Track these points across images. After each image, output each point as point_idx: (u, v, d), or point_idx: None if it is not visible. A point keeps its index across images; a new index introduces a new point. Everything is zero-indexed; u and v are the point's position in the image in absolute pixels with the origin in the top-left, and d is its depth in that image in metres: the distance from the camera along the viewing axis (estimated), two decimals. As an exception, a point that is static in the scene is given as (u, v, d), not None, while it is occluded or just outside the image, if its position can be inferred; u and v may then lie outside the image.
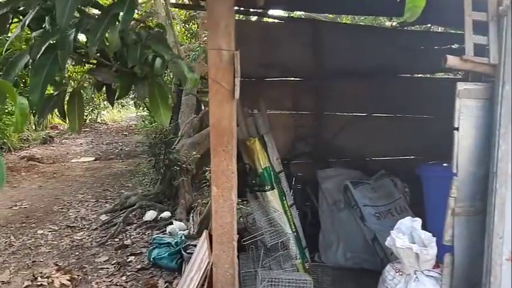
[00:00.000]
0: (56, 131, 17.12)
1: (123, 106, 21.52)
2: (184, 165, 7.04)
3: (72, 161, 12.15)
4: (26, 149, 13.45)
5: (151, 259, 5.12)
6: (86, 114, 20.03)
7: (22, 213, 7.28)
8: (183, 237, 5.25)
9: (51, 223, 6.80)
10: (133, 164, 11.13)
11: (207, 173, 6.84)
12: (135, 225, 6.54)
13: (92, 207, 7.67)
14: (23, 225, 6.72)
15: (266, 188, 4.14)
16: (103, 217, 6.93)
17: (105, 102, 20.97)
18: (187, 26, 11.00)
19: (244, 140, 4.21)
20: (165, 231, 5.96)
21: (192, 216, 6.27)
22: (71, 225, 6.70)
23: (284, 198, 4.24)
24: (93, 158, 12.45)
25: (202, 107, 8.78)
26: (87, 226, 6.67)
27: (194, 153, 7.29)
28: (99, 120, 21.26)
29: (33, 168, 10.84)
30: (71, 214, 7.27)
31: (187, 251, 4.73)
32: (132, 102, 22.39)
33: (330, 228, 4.88)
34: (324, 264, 4.21)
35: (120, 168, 10.77)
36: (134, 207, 6.92)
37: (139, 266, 5.20)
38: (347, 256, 4.64)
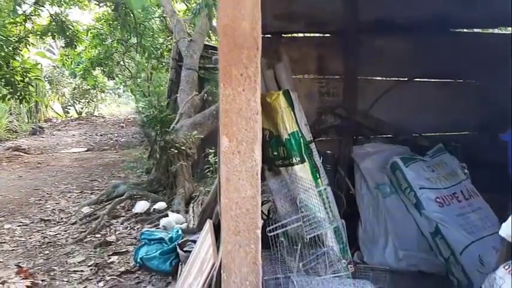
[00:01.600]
0: (49, 123, 15.99)
1: (119, 96, 20.37)
2: (183, 148, 5.86)
3: (62, 151, 10.98)
4: (13, 140, 12.30)
5: (139, 259, 3.95)
6: (81, 106, 18.95)
7: (-7, 205, 6.13)
8: (180, 232, 4.07)
9: (22, 216, 5.62)
10: (129, 155, 9.94)
11: (212, 156, 5.68)
12: (122, 218, 5.35)
13: (75, 198, 6.49)
14: (-11, 218, 5.56)
15: (294, 160, 2.95)
16: (85, 209, 5.74)
17: (103, 95, 19.93)
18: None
19: (263, 95, 3.03)
20: (159, 225, 4.80)
21: (193, 207, 5.10)
22: (46, 218, 5.52)
23: (318, 176, 3.05)
24: (85, 149, 11.28)
25: (205, 86, 7.60)
26: (64, 220, 5.50)
27: (195, 133, 6.10)
28: (96, 113, 20.10)
29: (17, 159, 9.67)
30: (48, 206, 6.09)
31: (185, 249, 3.55)
32: (132, 96, 21.39)
33: (373, 220, 3.69)
34: (375, 267, 3.00)
35: (113, 159, 9.59)
36: (123, 197, 5.74)
37: (122, 269, 4.01)
38: (399, 256, 3.43)
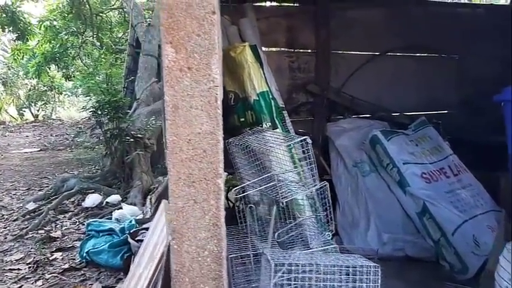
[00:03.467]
0: (2, 126, 14.99)
1: (77, 96, 19.44)
2: (140, 136, 5.31)
3: (12, 152, 10.14)
4: (-42, 141, 11.39)
5: (85, 254, 3.38)
6: (37, 109, 17.94)
7: None
8: (133, 222, 3.53)
9: (-44, 214, 4.94)
10: (84, 154, 9.25)
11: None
12: (70, 213, 4.74)
13: (20, 195, 5.80)
14: None
15: (264, 126, 2.49)
16: (30, 205, 5.08)
17: (61, 97, 18.96)
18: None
19: (226, 49, 2.56)
20: (111, 218, 4.24)
21: (150, 199, 4.55)
22: (-16, 215, 4.86)
23: (291, 145, 2.60)
24: (38, 149, 10.47)
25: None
26: (6, 216, 4.83)
27: (154, 121, 5.56)
28: (53, 116, 19.09)
29: (-40, 159, 8.84)
30: (-11, 204, 5.42)
31: (137, 239, 3.02)
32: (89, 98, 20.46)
33: (352, 201, 3.27)
34: (359, 251, 2.54)
35: (67, 157, 8.86)
36: (72, 191, 5.13)
37: (66, 266, 3.44)
38: (383, 239, 3.01)
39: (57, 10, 10.59)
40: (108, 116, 5.30)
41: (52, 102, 18.38)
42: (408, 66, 4.20)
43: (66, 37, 10.92)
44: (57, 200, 4.87)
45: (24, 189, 6.15)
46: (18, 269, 3.43)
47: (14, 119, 17.64)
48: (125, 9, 10.51)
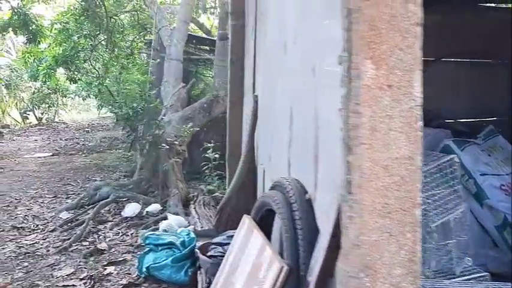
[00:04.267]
0: (7, 129, 14.74)
1: (84, 99, 19.19)
2: (176, 143, 5.17)
3: (25, 156, 9.93)
4: (-34, 146, 11.15)
5: (144, 269, 3.24)
6: (41, 112, 17.70)
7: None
8: (192, 234, 3.39)
9: (-11, 224, 4.77)
10: (100, 158, 9.08)
11: (209, 151, 5.02)
12: (110, 223, 4.59)
13: (49, 204, 5.64)
14: None
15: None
16: (64, 215, 4.92)
17: (64, 99, 18.71)
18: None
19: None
20: (157, 229, 4.09)
21: (195, 208, 4.41)
22: (19, 226, 4.68)
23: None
24: (50, 154, 10.27)
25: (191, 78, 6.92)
26: (41, 227, 4.67)
27: (189, 126, 5.41)
28: (57, 119, 18.84)
29: (-27, 164, 8.62)
30: (18, 213, 5.23)
31: (209, 254, 2.88)
32: (94, 102, 20.25)
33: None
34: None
35: (84, 162, 8.68)
36: (108, 200, 4.97)
37: (124, 281, 3.29)
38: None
39: (69, 12, 10.40)
40: (143, 123, 5.15)
41: (55, 106, 18.15)
42: (462, 73, 4.10)
43: (78, 40, 10.74)
44: (94, 209, 4.71)
45: (50, 196, 5.98)
46: (73, 285, 3.28)
47: (18, 122, 17.40)
48: (138, 12, 10.36)
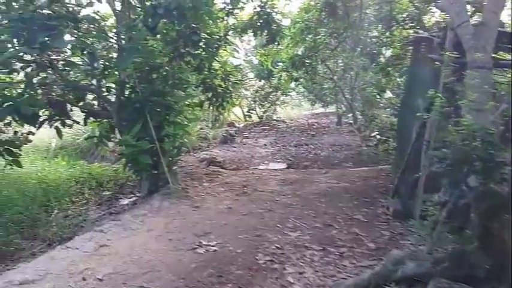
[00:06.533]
0: (234, 129, 14.70)
1: (305, 97, 18.43)
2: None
3: (260, 167, 9.17)
4: (205, 150, 11.03)
5: None
6: (263, 110, 17.50)
7: (210, 266, 4.21)
8: None
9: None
10: (344, 178, 7.62)
11: None
12: None
13: (321, 264, 4.27)
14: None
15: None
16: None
17: (282, 98, 18.22)
18: None
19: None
20: None
21: None
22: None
23: None
24: (285, 165, 9.34)
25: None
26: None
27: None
28: (275, 117, 18.52)
29: (217, 177, 8.04)
30: (289, 278, 3.97)
31: None
32: (305, 99, 19.37)
33: None
34: None
35: (329, 184, 7.30)
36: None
37: None
38: None
39: (309, 9, 9.21)
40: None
41: (275, 104, 17.76)
42: None
43: (319, 38, 9.53)
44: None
45: (317, 249, 4.62)
46: None
47: (240, 120, 17.51)
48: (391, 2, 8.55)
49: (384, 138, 7.92)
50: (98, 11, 7.97)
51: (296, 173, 8.37)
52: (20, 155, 6.48)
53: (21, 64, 5.96)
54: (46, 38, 4.95)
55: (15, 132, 6.44)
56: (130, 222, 5.48)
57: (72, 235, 5.40)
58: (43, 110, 6.30)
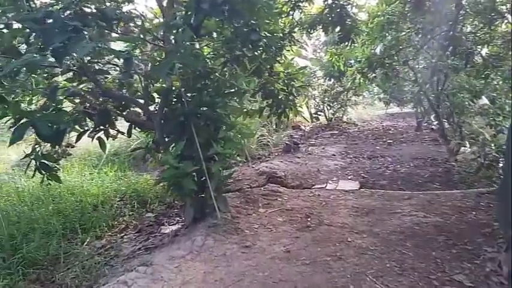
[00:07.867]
0: (299, 133, 13.37)
1: (380, 99, 16.67)
2: None
3: (328, 187, 7.78)
4: (266, 160, 9.81)
5: None
6: (333, 111, 16.01)
7: None
8: None
9: None
10: (432, 209, 6.04)
11: None
12: None
13: None
14: None
15: None
16: None
17: (354, 98, 16.60)
18: None
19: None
20: None
21: None
22: None
23: None
24: (357, 185, 7.87)
25: None
26: None
27: None
28: (345, 119, 16.95)
29: (275, 200, 6.79)
30: None
31: None
32: (377, 98, 17.54)
33: None
34: None
35: (414, 217, 5.75)
36: None
37: None
38: None
39: (395, 1, 7.61)
40: None
41: (345, 105, 16.19)
42: None
43: (402, 35, 7.93)
44: None
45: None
46: None
47: (307, 121, 16.15)
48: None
49: (488, 161, 6.19)
50: (151, 7, 6.92)
51: (372, 197, 6.90)
52: (58, 169, 5.66)
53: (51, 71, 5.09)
54: (62, 43, 3.91)
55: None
56: (163, 268, 4.37)
57: (93, 283, 4.39)
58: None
